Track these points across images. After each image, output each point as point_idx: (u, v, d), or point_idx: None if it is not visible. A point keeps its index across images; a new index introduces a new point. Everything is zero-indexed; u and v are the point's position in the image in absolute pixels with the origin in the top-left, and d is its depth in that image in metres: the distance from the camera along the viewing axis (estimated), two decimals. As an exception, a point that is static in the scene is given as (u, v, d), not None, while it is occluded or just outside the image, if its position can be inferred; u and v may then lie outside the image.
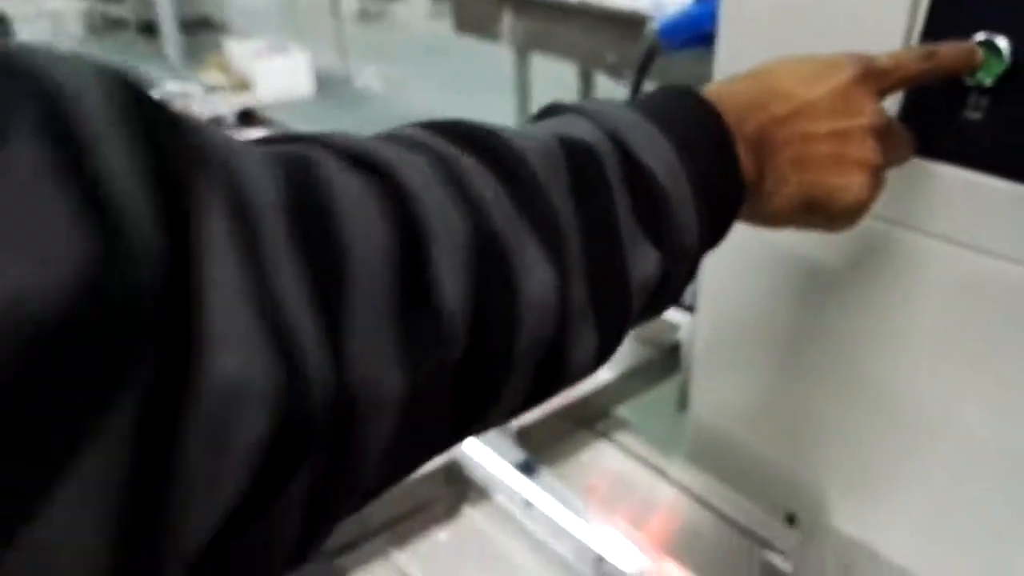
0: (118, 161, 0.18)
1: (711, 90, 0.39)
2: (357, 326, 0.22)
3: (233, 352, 0.19)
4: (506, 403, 0.29)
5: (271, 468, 0.20)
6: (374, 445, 0.24)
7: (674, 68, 0.80)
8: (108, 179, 0.17)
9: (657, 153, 0.33)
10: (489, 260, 0.26)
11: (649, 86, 0.81)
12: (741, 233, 0.66)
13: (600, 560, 0.59)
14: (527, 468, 0.67)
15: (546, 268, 0.28)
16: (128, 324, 0.17)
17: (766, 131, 0.39)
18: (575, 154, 0.31)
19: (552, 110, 0.36)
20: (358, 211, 0.23)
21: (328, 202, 0.23)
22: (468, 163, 0.27)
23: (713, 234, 0.38)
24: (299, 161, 0.23)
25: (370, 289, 0.23)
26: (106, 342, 0.16)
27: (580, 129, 0.33)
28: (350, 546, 0.62)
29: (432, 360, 0.24)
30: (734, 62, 0.62)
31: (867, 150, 0.40)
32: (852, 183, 0.40)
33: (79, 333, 0.16)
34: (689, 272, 0.37)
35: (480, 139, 0.28)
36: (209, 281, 0.19)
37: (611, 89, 1.04)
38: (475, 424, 0.29)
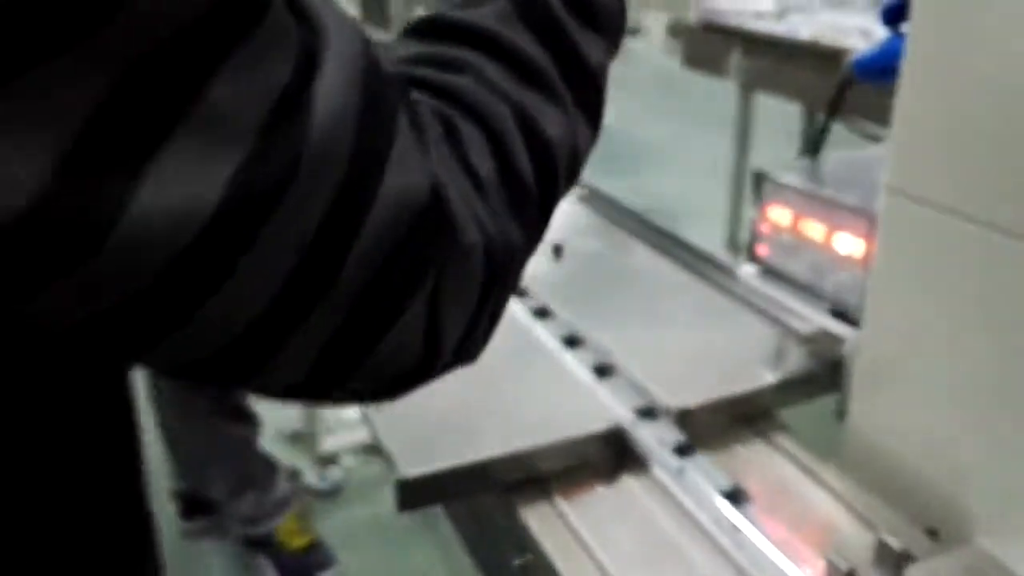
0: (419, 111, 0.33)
1: None
2: (492, 200, 0.35)
3: (468, 224, 0.33)
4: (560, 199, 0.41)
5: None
6: (511, 282, 0.38)
7: (865, 99, 0.84)
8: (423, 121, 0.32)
9: None
10: (528, 129, 0.37)
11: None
12: (913, 252, 0.70)
13: (742, 537, 0.65)
14: (684, 450, 0.74)
15: (553, 111, 0.38)
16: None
17: None
18: (521, 2, 0.40)
19: None
20: (476, 139, 0.35)
21: (463, 138, 0.35)
22: (478, 59, 0.37)
23: None
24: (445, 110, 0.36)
25: (490, 180, 0.35)
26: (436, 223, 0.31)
27: None
28: (520, 485, 0.73)
29: (526, 210, 0.37)
30: (918, 95, 0.68)
31: None
32: None
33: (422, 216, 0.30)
34: (623, 27, 0.45)
35: (473, 34, 0.38)
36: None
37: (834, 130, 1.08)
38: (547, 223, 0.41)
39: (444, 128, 0.34)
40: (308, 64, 0.27)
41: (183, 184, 0.24)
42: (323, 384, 0.32)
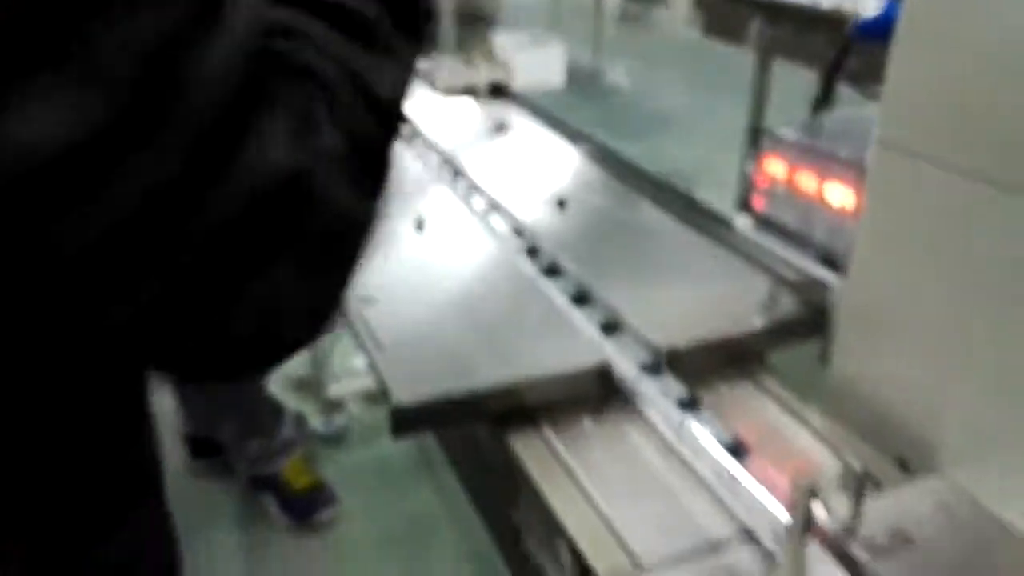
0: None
1: None
2: (344, 172, 0.35)
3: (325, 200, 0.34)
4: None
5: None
6: (361, 249, 0.38)
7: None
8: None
9: None
10: (361, 90, 0.37)
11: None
12: (899, 202, 0.72)
13: (729, 477, 0.68)
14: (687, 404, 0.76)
15: (388, 65, 0.39)
16: None
17: None
18: None
19: None
20: (324, 114, 0.35)
21: (317, 115, 0.35)
22: (318, 28, 0.37)
23: None
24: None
25: (340, 152, 0.35)
26: None
27: None
28: (509, 417, 0.76)
29: (371, 174, 0.38)
30: (910, 52, 0.69)
31: None
32: None
33: None
34: None
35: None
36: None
37: (850, 97, 1.09)
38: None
39: (300, 105, 0.35)
40: (197, 29, 0.28)
41: (46, 115, 0.25)
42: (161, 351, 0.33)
